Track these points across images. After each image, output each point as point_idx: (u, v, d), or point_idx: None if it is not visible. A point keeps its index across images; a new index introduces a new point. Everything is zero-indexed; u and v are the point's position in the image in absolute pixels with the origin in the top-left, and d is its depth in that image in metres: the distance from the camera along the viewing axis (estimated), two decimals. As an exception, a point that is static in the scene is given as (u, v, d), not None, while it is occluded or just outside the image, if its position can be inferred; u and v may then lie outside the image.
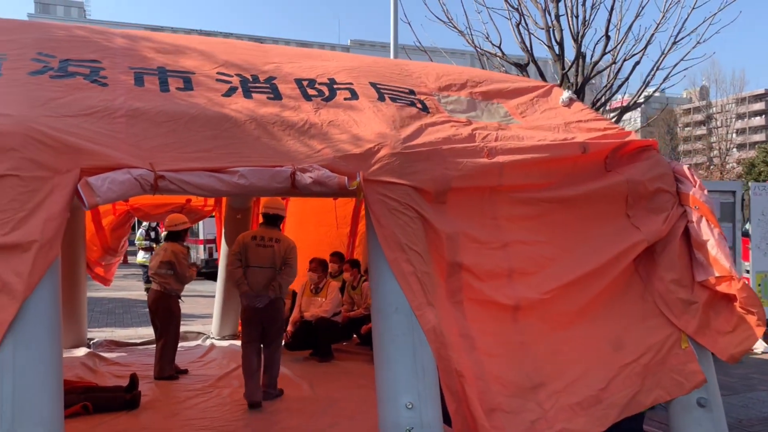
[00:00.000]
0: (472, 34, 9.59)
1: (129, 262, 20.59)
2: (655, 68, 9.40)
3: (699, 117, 57.64)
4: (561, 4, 9.18)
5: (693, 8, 9.22)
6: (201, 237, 17.62)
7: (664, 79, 9.44)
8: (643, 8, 9.29)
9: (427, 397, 3.41)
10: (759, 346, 8.39)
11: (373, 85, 4.31)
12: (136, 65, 3.87)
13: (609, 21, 9.17)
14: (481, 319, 3.70)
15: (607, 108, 10.09)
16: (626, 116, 13.21)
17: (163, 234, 7.67)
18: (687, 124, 58.89)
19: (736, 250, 8.81)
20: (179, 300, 6.56)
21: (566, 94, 4.83)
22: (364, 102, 4.07)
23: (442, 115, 4.21)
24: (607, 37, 9.20)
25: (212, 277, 10.22)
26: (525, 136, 4.15)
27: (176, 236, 6.69)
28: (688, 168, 4.32)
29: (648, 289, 4.11)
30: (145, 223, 11.64)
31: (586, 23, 9.13)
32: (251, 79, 4.05)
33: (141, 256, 11.99)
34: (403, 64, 5.00)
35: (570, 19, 9.15)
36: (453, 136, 3.93)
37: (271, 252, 5.59)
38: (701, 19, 9.29)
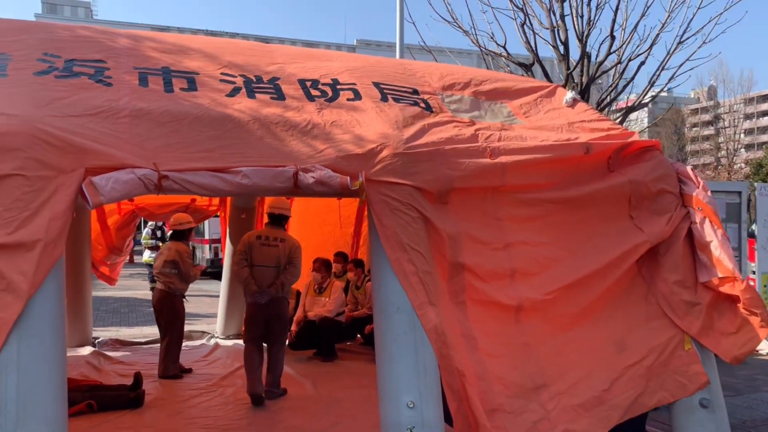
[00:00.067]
0: (476, 34, 9.60)
1: (135, 261, 20.68)
2: (660, 68, 9.37)
3: (707, 117, 57.40)
4: (566, 4, 9.17)
5: (699, 8, 9.18)
6: (206, 237, 17.70)
7: (670, 79, 9.42)
8: (648, 8, 9.28)
9: (429, 397, 3.42)
10: (764, 347, 8.35)
11: (376, 85, 4.32)
12: (140, 65, 3.90)
13: (614, 21, 9.16)
14: (483, 320, 3.71)
15: (613, 108, 10.06)
16: (633, 116, 13.18)
17: (169, 233, 7.70)
18: (695, 125, 58.63)
19: (742, 251, 8.76)
20: (184, 299, 6.59)
21: (570, 94, 4.82)
22: (367, 102, 4.08)
23: (445, 114, 4.21)
24: (612, 37, 9.19)
25: (218, 276, 10.26)
26: (528, 136, 4.14)
27: (181, 235, 6.72)
28: (692, 169, 4.31)
29: (651, 291, 4.10)
30: (151, 222, 11.68)
31: (591, 23, 9.12)
32: (255, 80, 4.07)
33: (147, 255, 12.03)
34: (406, 64, 5.01)
35: (575, 18, 9.14)
36: (456, 136, 3.93)
37: (276, 251, 5.62)
38: (707, 19, 9.27)
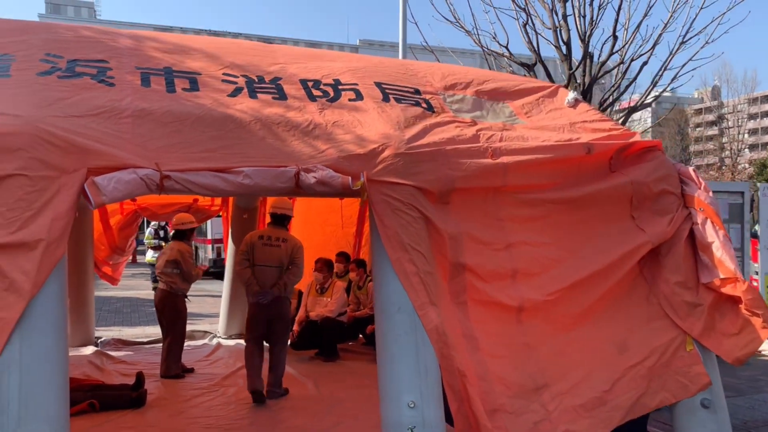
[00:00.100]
0: (479, 34, 9.61)
1: (138, 261, 20.72)
2: (663, 68, 9.36)
3: (710, 117, 57.19)
4: (568, 4, 9.17)
5: (701, 8, 9.19)
6: (209, 237, 17.73)
7: (672, 79, 9.41)
8: (651, 8, 9.27)
9: (430, 397, 3.42)
10: (766, 347, 8.33)
11: (378, 85, 4.32)
12: (142, 66, 3.91)
13: (616, 21, 9.16)
14: (484, 320, 3.70)
15: (616, 108, 10.05)
16: (636, 116, 13.17)
17: (171, 233, 7.72)
18: (698, 125, 58.43)
19: (745, 251, 8.74)
20: (186, 299, 6.60)
21: (572, 94, 4.82)
22: (369, 103, 4.08)
23: (447, 115, 4.21)
24: (615, 37, 9.18)
25: (220, 276, 10.28)
26: (530, 136, 4.14)
27: (183, 235, 6.74)
28: (693, 170, 4.30)
29: (653, 291, 4.09)
30: (154, 222, 11.71)
31: (594, 23, 9.11)
32: (257, 80, 4.07)
33: (150, 255, 12.06)
34: (408, 64, 5.01)
35: (577, 18, 9.14)
36: (457, 136, 3.93)
37: (278, 251, 5.64)
38: (710, 19, 9.26)
